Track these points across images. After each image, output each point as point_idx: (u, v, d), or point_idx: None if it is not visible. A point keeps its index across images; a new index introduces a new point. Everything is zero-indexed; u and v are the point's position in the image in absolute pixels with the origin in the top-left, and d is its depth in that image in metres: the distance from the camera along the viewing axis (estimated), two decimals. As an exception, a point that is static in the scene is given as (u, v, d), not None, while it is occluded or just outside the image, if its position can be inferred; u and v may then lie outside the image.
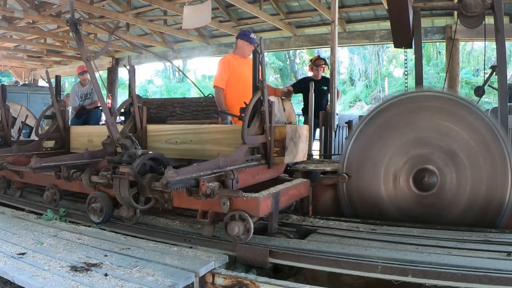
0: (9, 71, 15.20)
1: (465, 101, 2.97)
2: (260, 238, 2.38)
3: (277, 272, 2.28)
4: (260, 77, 2.76)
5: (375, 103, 17.64)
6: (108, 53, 11.24)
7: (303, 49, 13.92)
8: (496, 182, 2.77)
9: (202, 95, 3.76)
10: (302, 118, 6.89)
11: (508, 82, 4.03)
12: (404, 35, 4.10)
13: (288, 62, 24.94)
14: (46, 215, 2.89)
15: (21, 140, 4.90)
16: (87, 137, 3.84)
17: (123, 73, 13.20)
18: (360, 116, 3.55)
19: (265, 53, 2.93)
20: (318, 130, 5.22)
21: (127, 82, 3.96)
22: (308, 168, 3.32)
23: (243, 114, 2.67)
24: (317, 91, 5.03)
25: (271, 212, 2.44)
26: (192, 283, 1.87)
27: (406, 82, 4.67)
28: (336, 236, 2.52)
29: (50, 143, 4.02)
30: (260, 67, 2.76)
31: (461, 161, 2.85)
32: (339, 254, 2.11)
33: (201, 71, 27.43)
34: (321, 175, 3.29)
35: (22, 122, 5.64)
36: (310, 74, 6.17)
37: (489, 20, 4.01)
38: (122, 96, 15.65)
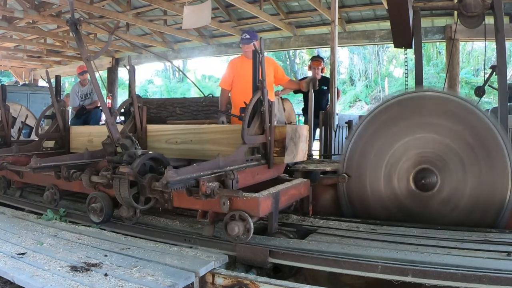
0: (9, 71, 15.18)
1: (465, 101, 2.97)
2: (260, 238, 2.38)
3: (277, 272, 2.28)
4: (260, 77, 2.75)
5: (375, 103, 17.62)
6: (108, 53, 11.22)
7: (303, 49, 13.87)
8: (496, 182, 2.77)
9: (202, 95, 3.76)
10: (302, 118, 6.89)
11: (508, 82, 4.04)
12: (404, 35, 4.10)
13: (288, 62, 24.93)
14: (46, 215, 2.89)
15: (21, 140, 4.90)
16: (87, 137, 3.84)
17: (123, 73, 13.20)
18: (360, 116, 3.55)
19: (265, 53, 2.92)
20: (318, 130, 5.21)
21: (127, 82, 3.96)
22: (308, 168, 3.32)
23: (243, 114, 2.67)
24: (317, 91, 5.01)
25: (271, 212, 2.44)
26: (192, 283, 1.87)
27: (406, 82, 4.68)
28: (336, 236, 2.52)
29: (50, 143, 4.02)
30: (260, 67, 2.75)
31: (461, 161, 2.85)
32: (339, 254, 2.12)
33: (201, 71, 27.56)
34: (321, 175, 3.29)
35: (22, 122, 5.65)
36: (310, 74, 6.16)
37: (489, 20, 4.01)
38: (122, 96, 15.64)
